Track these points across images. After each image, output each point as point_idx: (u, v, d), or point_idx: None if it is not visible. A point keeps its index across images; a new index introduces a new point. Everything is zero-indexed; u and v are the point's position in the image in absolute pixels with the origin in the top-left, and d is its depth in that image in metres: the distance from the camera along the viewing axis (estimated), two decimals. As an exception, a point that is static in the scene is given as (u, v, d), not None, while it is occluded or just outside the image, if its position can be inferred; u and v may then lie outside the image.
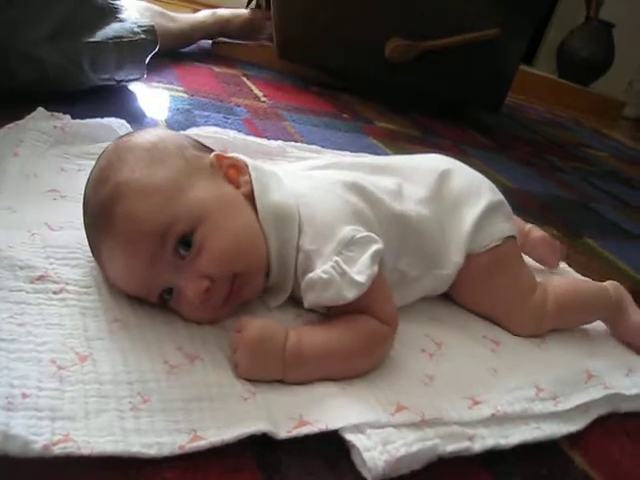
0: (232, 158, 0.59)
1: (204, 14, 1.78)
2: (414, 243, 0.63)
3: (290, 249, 0.56)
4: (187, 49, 1.73)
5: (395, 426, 0.46)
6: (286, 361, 0.49)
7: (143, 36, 1.22)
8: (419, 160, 0.73)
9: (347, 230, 0.55)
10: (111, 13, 1.17)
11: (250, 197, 0.57)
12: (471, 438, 0.48)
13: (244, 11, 1.93)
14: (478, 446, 0.47)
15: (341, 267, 0.52)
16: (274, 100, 1.49)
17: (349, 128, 1.43)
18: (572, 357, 0.64)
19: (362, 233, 0.55)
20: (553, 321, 0.67)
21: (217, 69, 1.67)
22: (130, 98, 1.19)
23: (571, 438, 0.54)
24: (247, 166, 0.60)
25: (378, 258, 0.54)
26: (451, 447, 0.46)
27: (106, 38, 1.11)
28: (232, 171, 0.59)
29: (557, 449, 0.52)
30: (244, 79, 1.65)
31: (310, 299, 0.54)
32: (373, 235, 0.55)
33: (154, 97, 1.25)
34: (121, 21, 1.18)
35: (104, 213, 0.51)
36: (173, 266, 0.51)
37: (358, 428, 0.45)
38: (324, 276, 0.52)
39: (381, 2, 1.70)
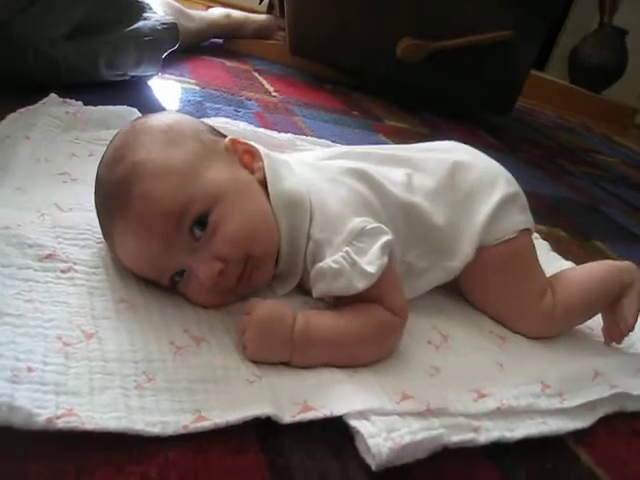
0: (247, 144, 0.60)
1: (218, 14, 1.79)
2: (422, 234, 0.62)
3: (301, 237, 0.56)
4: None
5: (400, 414, 0.45)
6: (294, 343, 0.49)
7: (164, 34, 1.22)
8: (432, 149, 0.72)
9: (357, 221, 0.54)
10: (137, 11, 1.17)
11: (263, 184, 0.57)
12: (476, 430, 0.47)
13: (257, 16, 1.95)
14: (483, 438, 0.47)
15: (351, 257, 0.52)
16: (285, 95, 1.49)
17: (359, 125, 1.43)
18: (579, 355, 0.63)
19: (372, 224, 0.54)
20: (561, 325, 0.66)
21: (229, 63, 1.67)
22: (142, 89, 1.19)
23: (577, 435, 0.53)
24: (260, 153, 0.60)
25: (388, 249, 0.53)
26: (456, 437, 0.45)
27: (127, 37, 1.11)
28: (247, 157, 0.59)
29: (563, 445, 0.52)
30: (256, 74, 1.65)
31: (319, 289, 0.54)
32: (383, 226, 0.55)
33: (166, 89, 1.25)
34: (145, 19, 1.19)
35: (119, 193, 0.51)
36: (187, 247, 0.51)
37: (363, 415, 0.44)
38: (334, 266, 0.52)
39: (393, 2, 1.70)
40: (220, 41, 1.88)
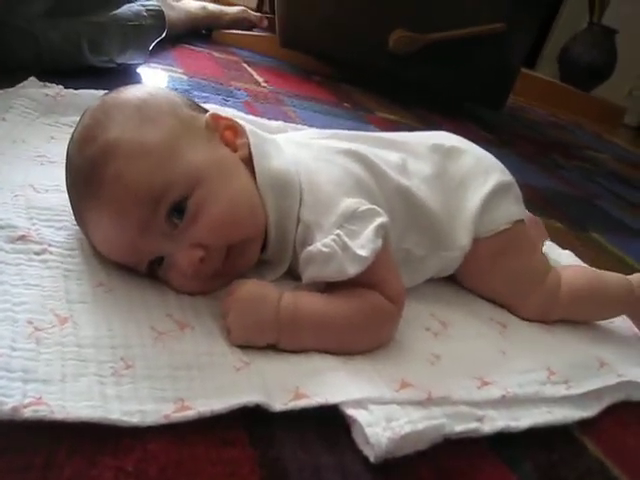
0: (229, 119, 0.56)
1: (195, 6, 1.80)
2: (419, 220, 0.59)
3: (290, 219, 0.53)
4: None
5: (399, 403, 0.42)
6: (280, 322, 0.46)
7: (150, 21, 1.19)
8: (425, 136, 0.70)
9: (349, 202, 0.51)
10: None
11: (248, 162, 0.54)
12: (480, 419, 0.44)
13: (231, 8, 1.99)
14: (488, 427, 0.44)
15: (343, 240, 0.49)
16: (275, 86, 1.46)
17: (350, 116, 1.40)
18: (583, 344, 0.61)
19: (365, 206, 0.51)
20: (564, 310, 0.63)
21: (217, 54, 1.64)
22: (128, 76, 1.16)
23: (583, 425, 0.50)
24: (244, 130, 0.56)
25: (383, 232, 0.50)
26: (459, 427, 0.42)
27: (110, 20, 1.08)
28: (229, 133, 0.55)
29: (569, 435, 0.49)
30: (245, 65, 1.62)
31: (309, 274, 0.51)
32: (377, 208, 0.52)
33: (152, 77, 1.22)
34: (130, 1, 1.15)
35: (91, 175, 0.47)
36: (165, 234, 0.48)
37: (360, 404, 0.41)
38: (325, 250, 0.49)
39: (386, -7, 1.67)
40: (206, 32, 1.86)
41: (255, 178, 0.53)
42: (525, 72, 2.57)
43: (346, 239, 0.49)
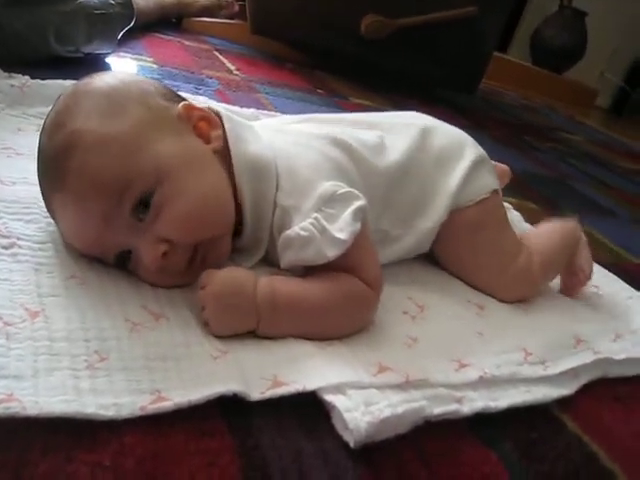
0: (203, 110, 0.54)
1: None
2: (397, 198, 0.60)
3: (266, 205, 0.53)
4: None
5: (378, 387, 0.42)
6: (259, 309, 0.45)
7: (118, 9, 1.16)
8: (397, 116, 0.71)
9: (327, 185, 0.51)
10: None
11: (222, 153, 0.53)
12: (459, 400, 0.44)
13: None
14: (467, 408, 0.44)
15: (321, 224, 0.48)
16: (247, 74, 1.44)
17: (324, 103, 1.40)
18: (559, 322, 0.61)
19: (344, 189, 0.51)
20: (540, 282, 0.66)
21: (187, 43, 1.61)
22: (96, 66, 1.13)
23: (561, 403, 0.51)
24: (221, 117, 0.55)
25: (361, 215, 0.50)
26: (439, 409, 0.43)
27: (77, 8, 1.05)
28: (202, 124, 0.53)
29: (548, 414, 0.50)
30: (216, 53, 1.60)
31: (287, 258, 0.50)
32: (355, 191, 0.51)
33: (122, 66, 1.19)
34: None
35: (57, 165, 0.46)
36: (131, 227, 0.47)
37: (338, 389, 0.41)
38: (303, 233, 0.48)
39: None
40: (176, 20, 1.83)
41: (229, 170, 0.52)
42: (497, 56, 2.58)
43: (324, 222, 0.49)
